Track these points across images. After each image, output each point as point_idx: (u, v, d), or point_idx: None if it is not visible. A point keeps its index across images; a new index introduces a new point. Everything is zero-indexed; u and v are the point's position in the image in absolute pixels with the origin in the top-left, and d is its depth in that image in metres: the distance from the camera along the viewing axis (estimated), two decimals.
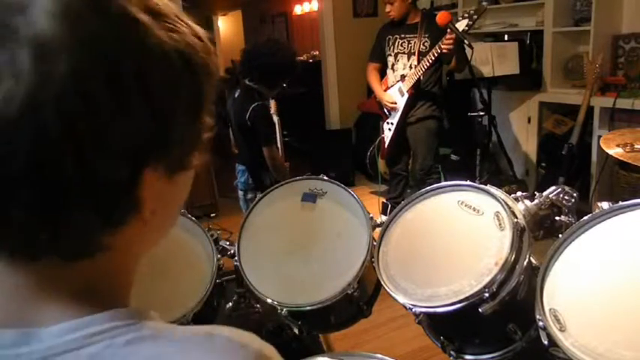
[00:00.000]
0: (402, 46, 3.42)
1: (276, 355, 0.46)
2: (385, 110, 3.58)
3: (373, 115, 3.84)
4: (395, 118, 3.49)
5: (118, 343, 0.40)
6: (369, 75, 3.66)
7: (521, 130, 4.00)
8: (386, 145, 3.63)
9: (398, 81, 3.44)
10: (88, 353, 0.39)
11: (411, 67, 3.36)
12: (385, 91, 3.53)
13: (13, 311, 0.41)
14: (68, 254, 0.40)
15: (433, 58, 3.12)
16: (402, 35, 3.41)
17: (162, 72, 0.39)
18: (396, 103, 3.44)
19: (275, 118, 2.68)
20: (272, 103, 2.70)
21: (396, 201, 3.56)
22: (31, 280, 0.41)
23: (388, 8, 3.37)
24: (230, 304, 1.72)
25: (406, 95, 3.38)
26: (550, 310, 1.10)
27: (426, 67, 3.19)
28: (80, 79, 0.35)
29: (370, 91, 3.86)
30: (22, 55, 0.34)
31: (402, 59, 3.42)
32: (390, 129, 3.56)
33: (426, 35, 3.30)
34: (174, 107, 0.41)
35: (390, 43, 3.47)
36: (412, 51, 3.36)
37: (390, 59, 3.49)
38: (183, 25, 0.42)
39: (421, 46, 3.32)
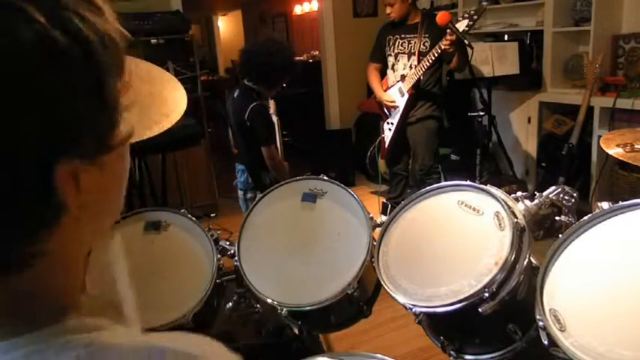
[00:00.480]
0: (402, 46, 3.42)
1: None
2: (385, 110, 3.58)
3: (373, 115, 3.84)
4: (395, 118, 3.50)
5: None
6: (369, 75, 3.66)
7: (521, 130, 4.00)
8: (386, 145, 3.63)
9: (398, 81, 3.44)
10: None
11: (411, 67, 3.36)
12: (385, 91, 3.53)
13: None
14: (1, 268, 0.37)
15: (433, 58, 3.12)
16: (403, 35, 3.41)
17: (40, 61, 0.34)
18: (395, 103, 3.44)
19: (274, 118, 2.68)
20: (271, 104, 2.70)
21: (395, 201, 3.56)
22: None
23: (388, 10, 3.37)
24: (230, 304, 1.72)
25: (406, 95, 3.38)
26: (550, 310, 1.11)
27: (426, 67, 3.19)
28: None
29: (370, 91, 3.86)
30: None
31: (403, 59, 3.43)
32: (390, 129, 3.56)
33: (426, 35, 3.30)
34: (66, 95, 0.36)
35: (391, 44, 3.47)
36: (412, 51, 3.36)
37: (391, 59, 3.49)
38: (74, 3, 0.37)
39: (421, 46, 3.32)
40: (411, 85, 3.31)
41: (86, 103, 0.37)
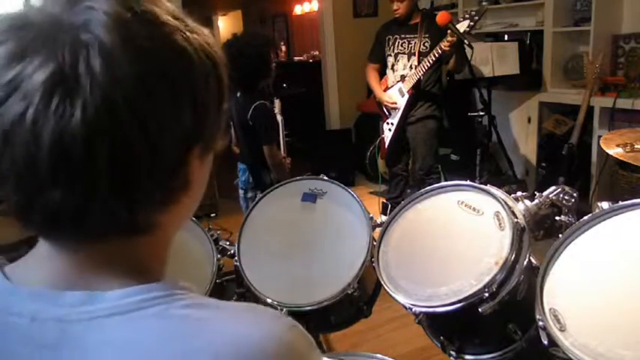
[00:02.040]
0: (402, 46, 3.42)
1: (303, 331, 0.51)
2: (385, 110, 3.58)
3: (373, 115, 3.84)
4: (395, 119, 3.49)
5: (175, 306, 0.46)
6: (368, 75, 3.66)
7: (521, 130, 4.00)
8: (386, 145, 3.63)
9: (398, 81, 3.44)
10: (152, 313, 0.45)
11: (411, 67, 3.36)
12: (385, 91, 3.53)
13: (76, 278, 0.47)
14: (136, 230, 0.47)
15: (434, 59, 3.12)
16: (403, 35, 3.41)
17: (198, 69, 0.47)
18: (395, 103, 3.44)
19: (279, 118, 2.67)
20: (276, 103, 2.70)
21: (396, 201, 3.56)
22: (94, 254, 0.48)
23: (396, 6, 3.35)
24: None
25: (406, 95, 3.38)
26: (550, 310, 1.11)
27: (426, 67, 3.19)
28: (144, 81, 0.42)
29: (370, 91, 3.86)
30: (94, 61, 0.40)
31: (402, 59, 3.42)
32: (390, 129, 3.56)
33: (427, 36, 3.30)
34: (208, 98, 0.48)
35: (390, 44, 3.47)
36: (412, 51, 3.36)
37: (390, 59, 3.49)
38: (194, 25, 0.49)
39: (421, 46, 3.32)
40: (411, 86, 3.31)
41: (215, 107, 0.50)
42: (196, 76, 0.47)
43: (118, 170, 0.42)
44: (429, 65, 3.17)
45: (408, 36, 3.39)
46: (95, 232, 0.45)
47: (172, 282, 0.49)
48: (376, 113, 3.71)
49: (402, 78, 3.40)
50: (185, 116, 0.45)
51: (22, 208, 0.44)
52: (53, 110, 0.40)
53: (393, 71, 3.49)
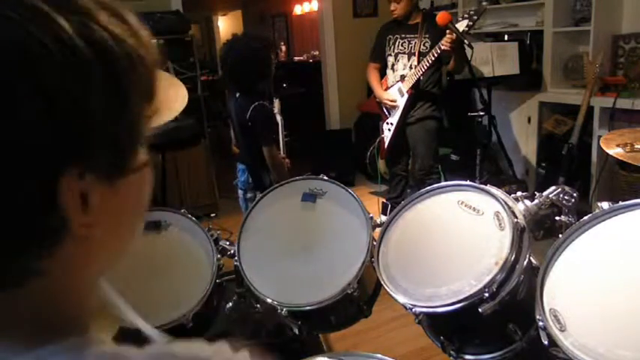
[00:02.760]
0: (402, 46, 3.42)
1: None
2: (385, 110, 3.57)
3: (373, 115, 3.84)
4: (394, 118, 3.49)
5: None
6: (369, 75, 3.66)
7: (521, 130, 4.00)
8: (385, 146, 3.63)
9: (398, 81, 3.44)
10: None
11: (411, 67, 3.36)
12: (385, 90, 3.53)
13: None
14: (4, 284, 0.37)
15: (433, 59, 3.12)
16: (403, 35, 3.41)
17: (54, 66, 0.33)
18: (395, 102, 3.44)
19: (278, 118, 2.67)
20: (276, 103, 2.70)
21: (396, 201, 3.56)
22: None
23: (393, 7, 3.36)
24: (230, 304, 1.72)
25: (406, 95, 3.37)
26: (550, 310, 1.11)
27: (425, 67, 3.19)
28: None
29: (370, 91, 3.86)
30: None
31: (402, 59, 3.42)
32: (389, 129, 3.56)
33: (427, 36, 3.30)
34: (82, 104, 0.35)
35: (391, 43, 3.47)
36: (412, 51, 3.35)
37: (390, 59, 3.49)
38: (108, 15, 0.38)
39: (421, 46, 3.32)
40: (410, 85, 3.31)
41: (103, 118, 0.36)
42: (52, 73, 0.33)
43: None
44: (428, 65, 3.16)
45: (408, 36, 3.38)
46: None
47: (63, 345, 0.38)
48: (376, 113, 3.70)
49: (402, 78, 3.40)
50: (25, 133, 0.32)
51: None
52: None
53: (393, 71, 3.49)
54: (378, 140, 3.96)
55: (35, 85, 0.32)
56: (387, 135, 3.58)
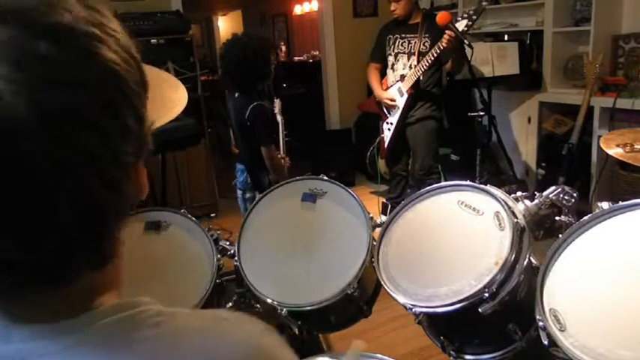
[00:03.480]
0: (402, 45, 3.42)
1: (278, 348, 0.49)
2: (385, 110, 3.57)
3: (373, 115, 3.84)
4: (394, 118, 3.49)
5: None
6: (369, 74, 3.66)
7: (521, 130, 4.00)
8: (385, 145, 3.63)
9: (397, 81, 3.44)
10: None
11: (410, 67, 3.36)
12: (385, 90, 3.53)
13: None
14: (105, 263, 0.44)
15: (433, 58, 3.12)
16: (403, 35, 3.41)
17: (130, 82, 0.42)
18: (394, 101, 3.44)
19: (279, 117, 2.67)
20: (276, 103, 2.70)
21: (396, 201, 3.56)
22: (51, 300, 0.43)
23: (393, 7, 3.36)
24: (230, 304, 1.72)
25: (405, 95, 3.37)
26: (550, 310, 1.10)
27: (425, 67, 3.19)
28: (80, 114, 0.38)
29: (370, 91, 3.86)
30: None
31: (402, 59, 3.42)
32: (389, 129, 3.56)
33: (427, 35, 3.30)
34: (142, 107, 0.45)
35: (391, 43, 3.47)
36: (412, 51, 3.36)
37: (390, 59, 3.49)
38: (117, 32, 0.44)
39: (421, 46, 3.32)
40: (410, 85, 3.31)
41: (135, 117, 0.43)
42: (130, 92, 0.43)
43: (85, 217, 0.40)
44: (428, 64, 3.16)
45: (408, 36, 3.38)
46: (54, 281, 0.42)
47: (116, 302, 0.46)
48: (376, 113, 3.70)
49: (402, 77, 3.40)
50: (132, 136, 0.43)
51: None
52: None
53: (393, 71, 3.49)
54: (378, 140, 3.96)
55: (128, 104, 0.42)
56: (387, 135, 3.58)
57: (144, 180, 0.48)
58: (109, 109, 0.40)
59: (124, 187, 0.42)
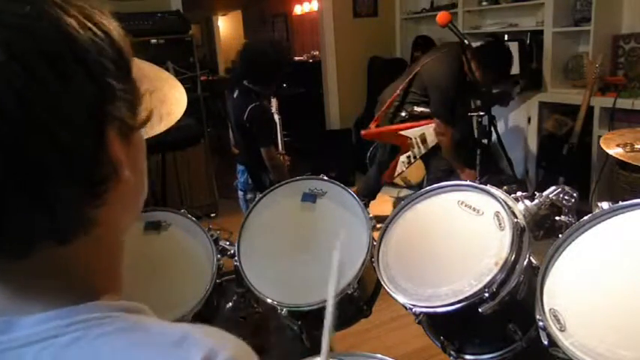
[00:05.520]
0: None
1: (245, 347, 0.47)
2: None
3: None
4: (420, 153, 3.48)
5: (93, 334, 0.41)
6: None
7: (521, 130, 4.00)
8: (396, 173, 3.59)
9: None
10: (61, 343, 0.40)
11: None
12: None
13: (2, 300, 0.43)
14: (65, 234, 0.42)
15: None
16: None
17: (87, 42, 0.41)
18: None
19: (276, 117, 2.68)
20: (273, 102, 2.70)
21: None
22: (13, 274, 0.42)
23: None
24: (230, 304, 1.71)
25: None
26: (550, 310, 1.10)
27: None
28: (25, 67, 0.37)
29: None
30: None
31: None
32: (410, 162, 3.52)
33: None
34: (105, 68, 0.42)
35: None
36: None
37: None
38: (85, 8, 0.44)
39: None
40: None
41: (119, 76, 0.43)
42: (83, 49, 0.41)
43: (23, 171, 0.38)
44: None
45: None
46: (11, 249, 0.40)
47: (111, 302, 0.44)
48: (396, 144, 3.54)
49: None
50: (80, 92, 0.40)
51: None
52: None
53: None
54: (387, 154, 3.80)
55: (79, 61, 0.40)
56: (404, 163, 3.53)
57: (117, 156, 0.43)
58: (51, 61, 0.38)
59: (73, 149, 0.39)
